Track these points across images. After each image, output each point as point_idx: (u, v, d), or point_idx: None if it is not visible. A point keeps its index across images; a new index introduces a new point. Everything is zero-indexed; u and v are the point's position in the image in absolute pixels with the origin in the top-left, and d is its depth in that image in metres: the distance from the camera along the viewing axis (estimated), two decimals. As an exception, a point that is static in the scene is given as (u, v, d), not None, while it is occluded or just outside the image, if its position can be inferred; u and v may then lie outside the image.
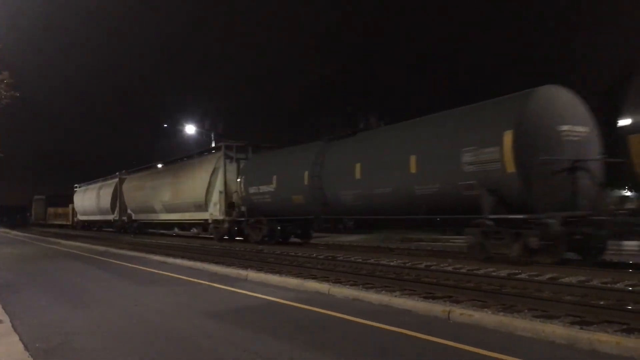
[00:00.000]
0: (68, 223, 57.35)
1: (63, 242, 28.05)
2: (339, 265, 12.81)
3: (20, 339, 6.04)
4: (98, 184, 44.52)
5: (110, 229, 41.94)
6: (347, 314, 6.92)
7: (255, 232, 20.81)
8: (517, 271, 10.35)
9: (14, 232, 49.16)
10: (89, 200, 45.90)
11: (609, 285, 8.60)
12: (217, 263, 13.75)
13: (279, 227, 20.08)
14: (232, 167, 23.34)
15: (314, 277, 10.55)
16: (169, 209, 29.08)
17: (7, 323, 6.91)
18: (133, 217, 35.52)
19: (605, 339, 5.08)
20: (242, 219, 21.46)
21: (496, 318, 6.20)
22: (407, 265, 12.10)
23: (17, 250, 23.33)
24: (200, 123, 40.10)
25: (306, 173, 17.29)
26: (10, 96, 18.68)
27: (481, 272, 10.53)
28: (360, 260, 13.46)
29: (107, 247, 21.79)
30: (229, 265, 13.30)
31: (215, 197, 23.67)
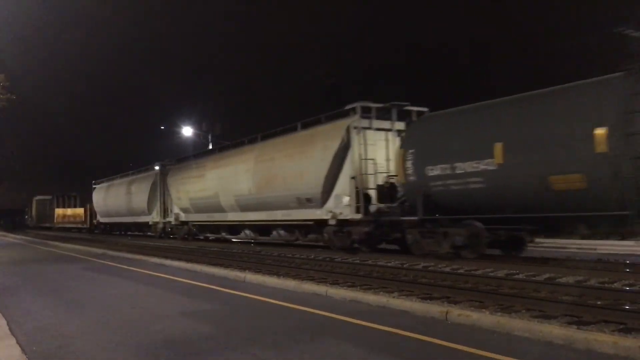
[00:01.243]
0: (84, 226, 51.36)
1: (60, 244, 27.99)
2: (337, 266, 12.81)
3: (18, 342, 6.03)
4: (127, 179, 37.38)
5: (144, 234, 35.69)
6: (345, 316, 6.92)
7: (434, 241, 13.03)
8: (514, 271, 10.38)
9: (12, 235, 48.99)
10: (115, 198, 38.34)
11: (606, 285, 8.63)
12: (215, 265, 13.74)
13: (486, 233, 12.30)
14: (372, 139, 16.01)
15: (312, 279, 10.55)
16: (248, 206, 21.16)
17: (5, 326, 6.89)
18: (182, 218, 27.79)
19: (602, 339, 5.09)
20: (404, 217, 13.97)
21: (494, 318, 6.21)
22: (404, 266, 12.11)
23: (14, 253, 23.27)
24: (197, 124, 40.04)
25: (600, 132, 9.62)
26: (6, 99, 18.66)
27: (479, 272, 10.55)
28: (357, 261, 13.46)
29: (104, 249, 21.75)
30: (226, 267, 13.29)
31: (342, 185, 15.99)
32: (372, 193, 15.50)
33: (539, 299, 7.51)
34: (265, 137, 21.37)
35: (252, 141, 22.39)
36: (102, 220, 43.81)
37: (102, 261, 16.93)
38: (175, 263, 14.77)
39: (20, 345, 5.89)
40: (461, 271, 10.82)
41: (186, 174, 26.91)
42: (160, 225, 30.93)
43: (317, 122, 18.18)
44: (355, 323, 6.55)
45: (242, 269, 12.77)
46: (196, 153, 28.35)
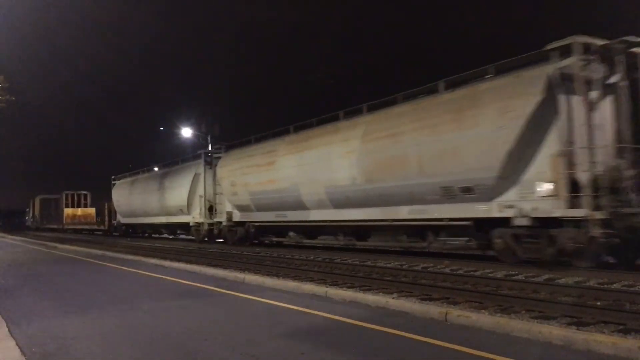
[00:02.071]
0: (100, 227, 46.01)
1: (60, 246, 27.95)
2: (336, 267, 12.81)
3: (17, 344, 6.02)
4: (159, 172, 32.50)
5: (175, 237, 31.99)
6: (344, 317, 6.91)
7: None
8: (513, 272, 10.38)
9: (11, 237, 48.82)
10: (142, 195, 32.38)
11: (605, 285, 8.63)
12: (214, 266, 13.73)
13: None
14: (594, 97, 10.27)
15: (311, 280, 10.55)
16: (348, 201, 15.71)
17: (4, 328, 6.88)
18: (237, 218, 22.01)
19: (601, 340, 5.09)
20: None
21: (493, 319, 6.21)
22: (404, 267, 12.11)
23: (14, 254, 23.24)
24: (196, 125, 39.98)
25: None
26: (5, 100, 18.65)
27: (478, 273, 10.56)
28: (357, 262, 13.46)
29: (103, 250, 21.73)
30: (226, 268, 13.29)
31: (538, 166, 10.83)
32: (585, 178, 9.93)
33: (539, 299, 7.52)
34: (375, 107, 15.47)
35: (351, 114, 16.41)
36: (123, 220, 37.62)
37: (102, 262, 16.91)
38: (175, 264, 14.76)
39: (19, 347, 5.88)
40: (460, 272, 10.83)
41: (245, 162, 20.90)
42: (205, 227, 25.02)
43: (478, 76, 12.50)
44: (355, 324, 6.54)
45: (242, 270, 12.76)
46: (259, 135, 21.39)
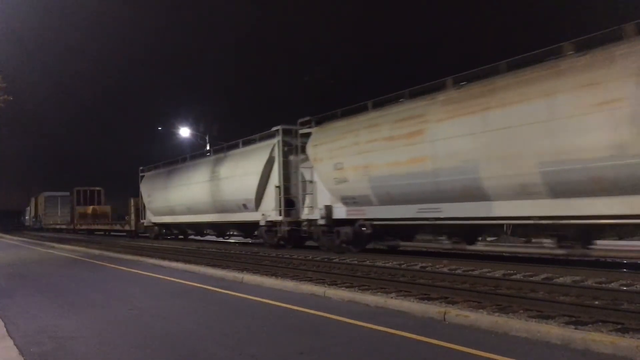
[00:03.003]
0: (125, 228, 37.98)
1: (57, 245, 27.92)
2: (335, 267, 12.81)
3: (15, 344, 6.01)
4: (210, 159, 24.81)
5: (224, 238, 26.95)
6: (343, 316, 6.92)
7: None
8: (512, 271, 10.39)
9: (9, 237, 48.71)
10: (184, 188, 26.10)
11: (603, 285, 8.65)
12: (212, 266, 13.73)
13: None
14: None
15: (310, 280, 10.56)
16: (596, 184, 9.73)
17: (2, 328, 6.87)
18: (340, 215, 16.33)
19: (599, 339, 5.10)
20: None
21: (491, 319, 6.22)
22: (402, 266, 12.12)
23: (11, 254, 23.20)
24: (194, 125, 39.91)
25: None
26: (2, 100, 18.61)
27: (476, 273, 10.57)
28: (355, 262, 13.47)
29: (101, 250, 21.71)
30: (224, 268, 13.28)
31: None
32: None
33: (537, 299, 7.53)
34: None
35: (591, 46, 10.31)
36: (155, 219, 30.56)
37: (100, 262, 16.89)
38: (173, 264, 14.74)
39: (17, 347, 5.88)
40: (459, 272, 10.84)
41: (362, 136, 15.00)
42: (284, 227, 18.79)
43: None
44: (353, 324, 6.55)
45: (240, 270, 12.76)
46: (381, 98, 15.44)
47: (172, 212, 28.30)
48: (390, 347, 5.50)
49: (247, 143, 22.44)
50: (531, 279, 9.50)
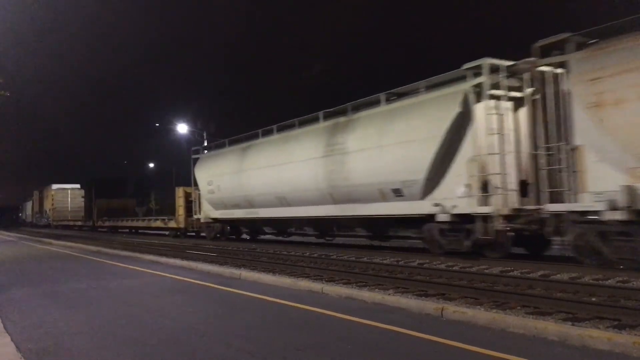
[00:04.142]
0: (167, 225, 29.84)
1: (55, 242, 27.87)
2: (332, 263, 12.82)
3: (12, 340, 6.00)
4: (319, 126, 17.28)
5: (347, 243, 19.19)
6: (341, 313, 6.92)
7: None
8: (509, 268, 10.41)
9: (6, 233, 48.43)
10: (269, 171, 18.97)
11: (600, 281, 8.67)
12: (210, 262, 13.73)
13: None
14: None
15: (307, 276, 10.57)
16: None
17: (-1, 324, 6.86)
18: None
19: (596, 335, 5.11)
20: None
21: (489, 315, 6.23)
22: (399, 263, 12.13)
23: (8, 250, 23.16)
24: (192, 122, 39.67)
25: None
26: (0, 96, 18.56)
27: (474, 269, 10.58)
28: (353, 258, 13.47)
29: (99, 247, 21.68)
30: (222, 264, 13.28)
31: None
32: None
33: (534, 295, 7.55)
34: None
35: None
36: (218, 215, 23.17)
37: (97, 258, 16.87)
38: (171, 261, 14.74)
39: (14, 343, 5.87)
40: (456, 268, 10.86)
41: None
42: (496, 224, 11.40)
43: None
44: (351, 320, 6.55)
45: (237, 266, 12.76)
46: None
47: (248, 204, 20.64)
48: (388, 343, 5.50)
49: (402, 96, 14.67)
50: (528, 275, 9.52)
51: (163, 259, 15.18)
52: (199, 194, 24.67)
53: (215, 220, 23.88)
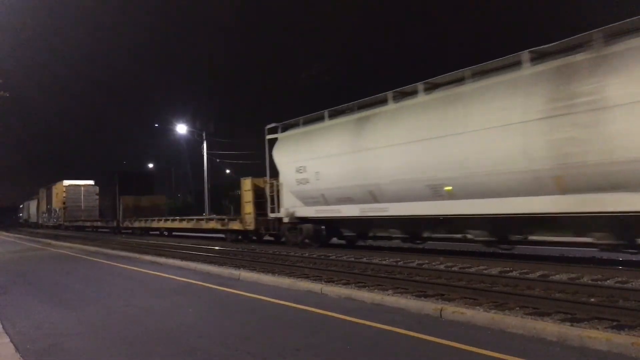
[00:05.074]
0: (227, 227, 22.62)
1: (54, 242, 27.85)
2: (332, 264, 12.82)
3: (11, 341, 6.01)
4: (524, 72, 10.49)
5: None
6: (340, 313, 6.93)
7: None
8: (508, 269, 10.41)
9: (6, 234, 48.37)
10: (415, 147, 12.50)
11: (599, 282, 8.67)
12: (209, 263, 13.72)
13: None
14: None
15: (307, 277, 10.56)
16: None
17: (-2, 325, 6.86)
18: None
19: (595, 336, 5.12)
20: None
21: (488, 316, 6.23)
22: (399, 264, 12.13)
23: (7, 251, 23.13)
24: (191, 122, 39.69)
25: None
26: (-1, 95, 18.57)
27: (473, 270, 10.58)
28: (352, 259, 13.47)
29: (98, 247, 21.66)
30: (221, 265, 13.27)
31: None
32: None
33: (533, 296, 7.54)
34: None
35: None
36: (314, 213, 16.71)
37: (96, 259, 16.87)
38: (170, 261, 14.74)
39: (13, 344, 5.87)
40: (455, 269, 10.86)
41: None
42: None
43: None
44: (350, 320, 6.55)
45: (237, 267, 12.76)
46: None
47: (369, 197, 14.30)
48: (387, 343, 5.50)
49: None
50: (527, 276, 9.52)
51: (162, 259, 15.17)
52: (279, 186, 18.29)
53: (304, 220, 17.29)
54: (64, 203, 46.50)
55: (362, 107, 15.15)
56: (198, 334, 6.14)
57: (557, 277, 9.37)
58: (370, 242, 17.06)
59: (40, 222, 56.42)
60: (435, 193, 12.27)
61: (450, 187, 11.89)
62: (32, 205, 63.71)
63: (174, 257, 15.87)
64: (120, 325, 6.77)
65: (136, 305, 8.21)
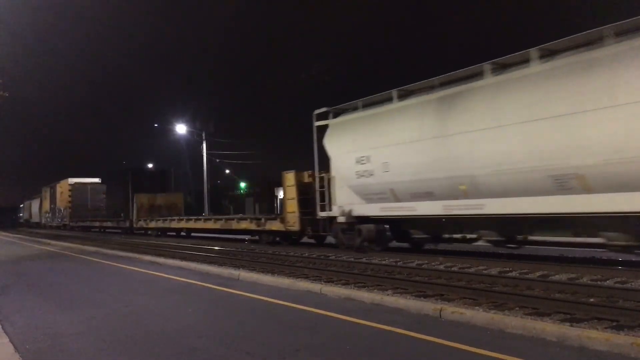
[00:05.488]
0: (264, 228, 19.75)
1: (53, 242, 27.84)
2: (331, 264, 12.81)
3: (11, 341, 6.00)
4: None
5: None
6: (340, 313, 6.92)
7: None
8: (507, 269, 10.41)
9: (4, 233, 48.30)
10: (535, 127, 9.92)
11: (598, 282, 8.67)
12: (209, 263, 13.71)
13: None
14: None
15: (306, 277, 10.56)
16: None
17: (-3, 325, 6.85)
18: None
19: (594, 336, 5.12)
20: None
21: (487, 316, 6.23)
22: (398, 264, 12.13)
23: (6, 251, 23.12)
24: (191, 122, 39.64)
25: None
26: (-1, 96, 18.56)
27: (472, 270, 10.58)
28: (352, 259, 13.47)
29: (97, 247, 21.65)
30: (220, 265, 13.27)
31: None
32: None
33: (533, 296, 7.54)
34: None
35: None
36: (378, 211, 14.15)
37: (95, 259, 16.86)
38: (170, 261, 14.73)
39: (13, 344, 5.86)
40: (455, 269, 10.86)
41: None
42: None
43: None
44: (349, 320, 6.55)
45: (236, 267, 12.75)
46: None
47: (457, 193, 11.83)
48: (386, 344, 5.50)
49: None
50: (527, 276, 9.52)
51: (161, 260, 15.17)
52: (331, 180, 15.97)
53: (364, 219, 14.85)
54: (69, 202, 44.55)
55: (444, 84, 12.63)
56: (198, 334, 6.14)
57: (556, 277, 9.37)
58: (443, 245, 14.35)
59: (43, 222, 54.46)
60: (561, 186, 9.80)
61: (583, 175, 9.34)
62: (34, 204, 61.96)
63: (173, 257, 15.86)
64: (119, 325, 6.76)
65: (136, 305, 8.20)
